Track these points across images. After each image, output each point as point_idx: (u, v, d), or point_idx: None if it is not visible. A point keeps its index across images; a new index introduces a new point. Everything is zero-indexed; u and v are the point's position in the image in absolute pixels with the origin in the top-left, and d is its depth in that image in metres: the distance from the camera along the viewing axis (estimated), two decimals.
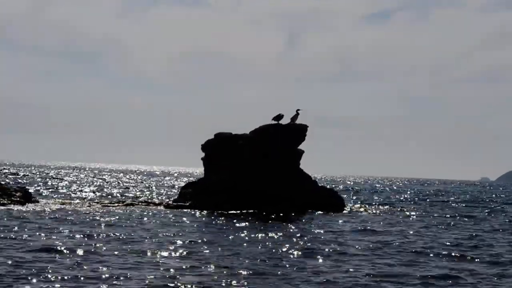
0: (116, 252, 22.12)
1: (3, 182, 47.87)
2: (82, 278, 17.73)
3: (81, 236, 26.04)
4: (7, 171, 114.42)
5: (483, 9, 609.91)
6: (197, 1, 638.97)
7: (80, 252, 21.86)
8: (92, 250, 22.50)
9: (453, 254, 24.29)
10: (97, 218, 33.64)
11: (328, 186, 50.22)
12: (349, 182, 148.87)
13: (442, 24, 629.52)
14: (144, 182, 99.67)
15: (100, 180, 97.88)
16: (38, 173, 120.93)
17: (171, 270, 19.26)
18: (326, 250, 24.17)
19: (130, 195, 59.22)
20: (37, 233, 26.24)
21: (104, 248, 23.01)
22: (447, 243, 27.87)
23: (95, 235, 26.44)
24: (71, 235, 26.23)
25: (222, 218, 36.11)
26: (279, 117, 43.51)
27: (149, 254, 22.10)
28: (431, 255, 24.05)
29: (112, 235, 26.67)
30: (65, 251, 21.92)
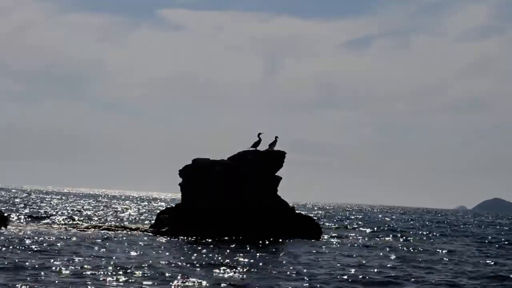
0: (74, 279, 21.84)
1: None
2: None
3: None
4: None
5: (463, 38, 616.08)
6: (177, 27, 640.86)
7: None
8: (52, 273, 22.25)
9: None
10: (70, 243, 33.35)
11: (305, 213, 50.13)
12: (328, 208, 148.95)
13: (422, 52, 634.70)
14: (122, 206, 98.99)
15: (77, 204, 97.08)
16: (15, 196, 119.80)
17: None
18: None
19: (107, 219, 58.71)
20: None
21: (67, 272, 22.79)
22: None
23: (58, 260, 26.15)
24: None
25: (198, 246, 35.88)
26: (257, 143, 43.48)
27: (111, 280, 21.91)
28: None
29: (76, 260, 26.38)
30: None
